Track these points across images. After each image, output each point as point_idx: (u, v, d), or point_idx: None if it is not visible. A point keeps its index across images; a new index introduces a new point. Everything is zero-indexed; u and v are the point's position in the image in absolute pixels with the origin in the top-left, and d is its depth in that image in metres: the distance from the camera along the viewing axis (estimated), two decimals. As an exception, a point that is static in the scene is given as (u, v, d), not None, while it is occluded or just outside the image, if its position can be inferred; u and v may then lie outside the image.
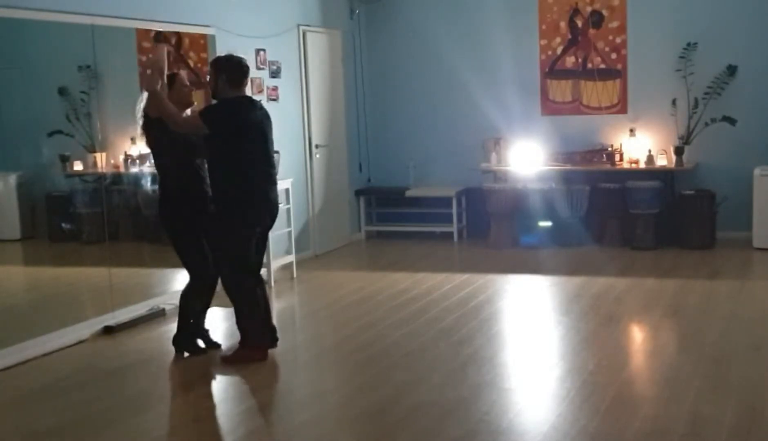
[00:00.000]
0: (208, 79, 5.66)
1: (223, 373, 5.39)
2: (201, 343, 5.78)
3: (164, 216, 5.62)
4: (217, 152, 5.35)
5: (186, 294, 5.68)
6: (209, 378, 5.42)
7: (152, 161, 5.81)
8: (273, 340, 5.62)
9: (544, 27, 9.36)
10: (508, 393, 4.86)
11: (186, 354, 5.69)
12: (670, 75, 8.86)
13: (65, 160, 6.59)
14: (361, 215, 9.90)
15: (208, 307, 5.81)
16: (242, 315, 5.48)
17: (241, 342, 5.52)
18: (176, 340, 5.73)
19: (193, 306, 5.69)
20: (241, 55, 5.59)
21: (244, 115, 5.35)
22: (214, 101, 5.59)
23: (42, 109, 6.43)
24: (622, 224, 8.84)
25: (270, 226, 5.62)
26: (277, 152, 5.61)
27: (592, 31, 9.22)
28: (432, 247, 9.33)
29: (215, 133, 5.27)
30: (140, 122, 5.56)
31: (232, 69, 5.42)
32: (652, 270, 7.80)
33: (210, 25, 7.41)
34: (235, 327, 5.54)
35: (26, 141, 6.35)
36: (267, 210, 5.48)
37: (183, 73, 5.78)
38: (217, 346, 5.80)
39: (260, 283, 5.59)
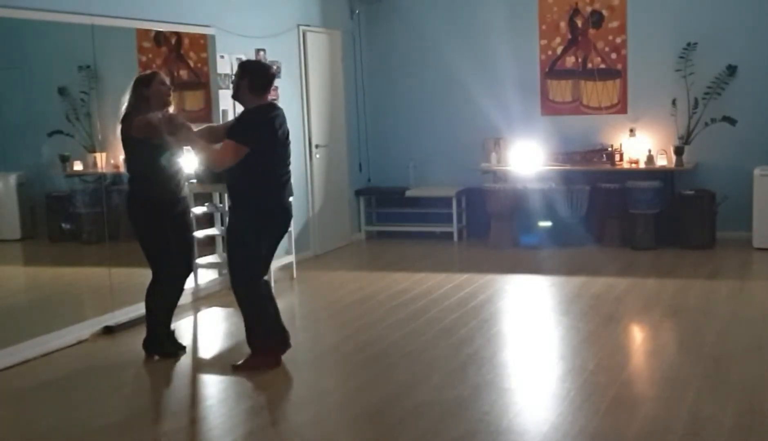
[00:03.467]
0: (232, 80, 5.55)
1: (223, 373, 5.39)
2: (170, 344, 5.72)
3: (133, 217, 5.59)
4: (243, 163, 5.14)
5: (151, 295, 5.62)
6: (209, 378, 5.42)
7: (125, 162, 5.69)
8: (285, 343, 5.47)
9: (544, 27, 9.36)
10: (508, 393, 4.86)
11: (156, 357, 5.65)
12: (670, 75, 8.86)
13: (65, 160, 6.60)
14: (361, 215, 9.91)
15: (174, 308, 5.74)
16: (254, 322, 5.36)
17: (253, 349, 5.39)
18: (146, 343, 5.68)
19: (159, 306, 5.62)
20: (270, 64, 5.45)
21: (270, 127, 5.20)
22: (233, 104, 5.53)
23: (42, 109, 6.43)
24: (622, 224, 8.84)
25: (286, 229, 5.52)
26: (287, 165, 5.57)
27: (592, 31, 9.22)
28: (432, 247, 9.33)
29: (253, 148, 5.13)
30: (119, 126, 5.49)
31: (256, 75, 5.23)
32: (652, 270, 7.80)
33: (210, 25, 7.41)
34: (233, 329, 5.51)
35: (26, 141, 6.35)
36: (287, 217, 5.45)
37: (161, 74, 5.61)
38: (182, 348, 5.75)
39: (267, 285, 5.51)
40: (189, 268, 5.75)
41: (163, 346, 5.67)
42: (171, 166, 5.50)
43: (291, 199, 5.50)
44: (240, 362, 5.39)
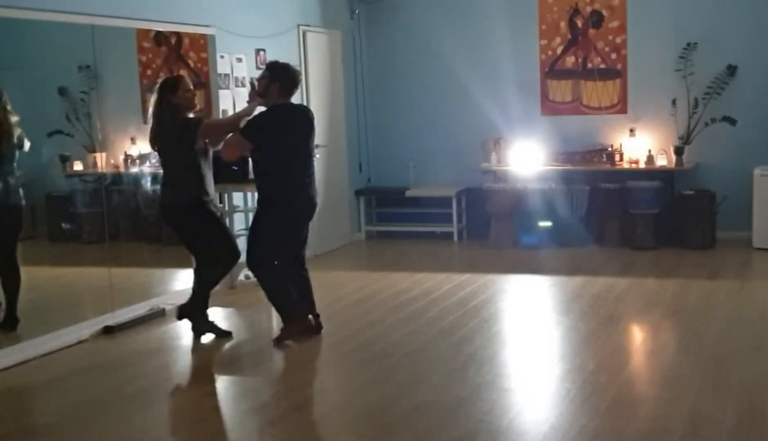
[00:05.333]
0: (258, 79, 5.86)
1: (223, 372, 5.39)
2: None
3: (173, 216, 5.80)
4: (261, 158, 5.63)
5: (207, 278, 5.90)
6: (209, 378, 5.43)
7: (158, 161, 5.95)
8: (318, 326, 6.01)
9: (544, 27, 9.36)
10: (508, 393, 4.86)
11: (204, 337, 5.95)
12: (670, 75, 8.86)
13: (65, 160, 6.60)
14: (361, 215, 9.90)
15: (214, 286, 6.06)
16: (274, 298, 5.80)
17: (284, 321, 5.85)
18: (195, 327, 5.98)
19: (210, 289, 5.95)
20: (296, 67, 5.84)
21: (283, 122, 5.63)
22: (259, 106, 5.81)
23: (42, 109, 6.43)
24: (622, 224, 8.84)
25: (310, 218, 5.90)
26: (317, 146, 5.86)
27: (592, 31, 9.22)
28: (432, 247, 9.32)
29: (258, 144, 5.57)
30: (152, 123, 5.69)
31: (288, 80, 5.69)
32: (652, 270, 7.80)
33: (210, 25, 7.41)
34: (234, 329, 5.62)
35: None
36: (306, 205, 5.79)
37: (186, 79, 5.85)
38: (227, 333, 6.06)
39: (305, 270, 6.00)
40: (235, 252, 5.97)
41: (214, 325, 5.99)
42: (206, 168, 5.75)
43: (313, 192, 5.83)
44: (278, 334, 5.85)
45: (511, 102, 9.35)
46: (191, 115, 5.78)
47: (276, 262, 5.80)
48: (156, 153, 5.84)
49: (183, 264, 7.16)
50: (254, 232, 5.80)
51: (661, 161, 8.81)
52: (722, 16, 8.76)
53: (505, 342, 5.96)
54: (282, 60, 8.25)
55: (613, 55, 9.15)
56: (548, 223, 9.04)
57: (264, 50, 8.09)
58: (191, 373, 5.50)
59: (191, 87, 5.80)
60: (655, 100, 8.98)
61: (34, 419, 4.70)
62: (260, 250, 5.73)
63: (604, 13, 9.15)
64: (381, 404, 4.73)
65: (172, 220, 5.85)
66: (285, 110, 5.69)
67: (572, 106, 9.36)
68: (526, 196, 8.99)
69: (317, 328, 5.99)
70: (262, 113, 5.68)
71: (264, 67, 6.01)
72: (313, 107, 8.81)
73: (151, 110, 5.66)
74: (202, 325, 5.97)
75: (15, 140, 5.72)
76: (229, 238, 6.00)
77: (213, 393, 5.15)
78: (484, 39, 9.50)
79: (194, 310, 5.96)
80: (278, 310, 5.87)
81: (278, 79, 5.64)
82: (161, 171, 5.92)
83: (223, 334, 5.99)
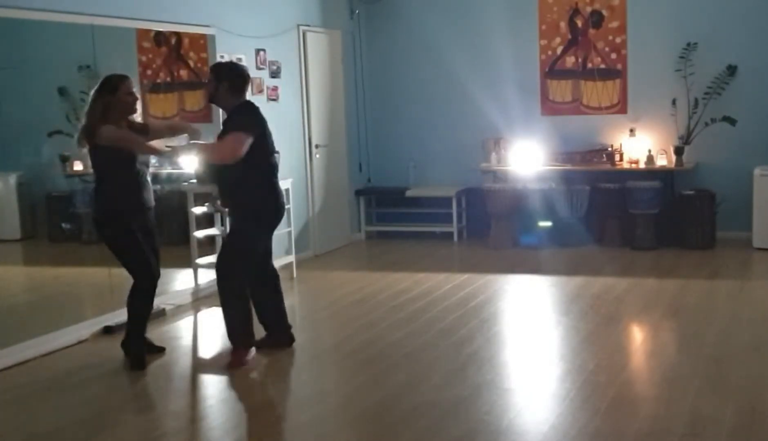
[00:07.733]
0: (206, 82, 5.55)
1: (223, 372, 5.39)
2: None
3: (103, 223, 5.37)
4: (247, 159, 5.20)
5: (136, 298, 5.44)
6: (209, 378, 5.42)
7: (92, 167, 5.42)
8: (291, 339, 5.77)
9: (544, 27, 9.36)
10: (508, 393, 4.86)
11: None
12: (670, 75, 8.86)
13: (65, 160, 6.59)
14: (361, 215, 9.90)
15: (150, 311, 5.61)
16: (237, 315, 5.44)
17: (234, 346, 5.48)
18: (127, 345, 5.55)
19: (143, 310, 5.47)
20: (242, 63, 5.53)
21: (263, 120, 5.35)
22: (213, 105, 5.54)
23: (42, 109, 6.42)
24: (622, 224, 8.84)
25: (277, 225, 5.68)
26: (277, 152, 5.59)
27: (592, 31, 9.22)
28: (432, 247, 9.33)
29: (254, 139, 5.20)
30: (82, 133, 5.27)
31: (235, 77, 5.32)
32: (652, 270, 7.80)
33: (210, 25, 7.41)
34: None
35: (26, 141, 6.35)
36: (282, 211, 5.55)
37: (130, 81, 5.37)
38: (161, 349, 5.70)
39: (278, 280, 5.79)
40: (155, 276, 5.50)
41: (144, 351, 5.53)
42: (140, 176, 5.36)
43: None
44: (230, 361, 5.45)
45: (511, 102, 9.35)
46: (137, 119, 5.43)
47: (246, 278, 5.44)
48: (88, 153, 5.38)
49: (183, 264, 7.17)
50: (235, 241, 5.42)
51: (661, 161, 8.81)
52: (722, 16, 8.76)
53: (505, 342, 5.96)
54: (282, 60, 8.33)
55: (613, 55, 9.15)
56: (548, 223, 9.05)
57: (264, 50, 8.09)
58: (191, 373, 5.49)
59: (133, 90, 5.34)
60: (655, 100, 8.98)
61: (34, 420, 4.70)
62: (239, 259, 5.38)
63: (604, 13, 9.15)
64: (381, 404, 4.73)
65: (107, 226, 5.36)
66: (255, 106, 5.37)
67: (572, 106, 9.36)
68: (526, 196, 9.00)
69: (290, 340, 5.74)
70: (244, 109, 5.33)
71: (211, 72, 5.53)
72: (313, 107, 8.86)
73: (86, 112, 5.22)
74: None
75: None
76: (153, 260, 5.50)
77: (212, 393, 5.15)
78: (484, 39, 9.49)
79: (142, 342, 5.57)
80: (233, 332, 5.44)
81: (225, 79, 5.27)
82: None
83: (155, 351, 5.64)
